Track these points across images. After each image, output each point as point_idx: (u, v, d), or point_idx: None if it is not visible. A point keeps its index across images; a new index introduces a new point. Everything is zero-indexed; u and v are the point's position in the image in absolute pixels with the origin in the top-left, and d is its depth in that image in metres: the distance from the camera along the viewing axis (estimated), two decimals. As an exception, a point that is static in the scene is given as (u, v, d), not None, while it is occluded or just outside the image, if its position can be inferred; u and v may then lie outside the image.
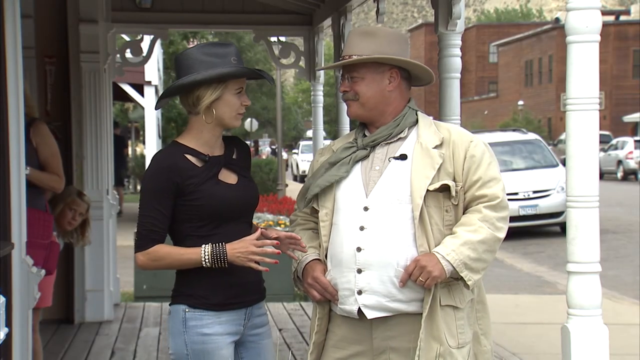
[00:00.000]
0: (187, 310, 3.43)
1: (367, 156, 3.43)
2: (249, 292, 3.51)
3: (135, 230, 3.46)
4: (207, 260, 3.35)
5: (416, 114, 3.46)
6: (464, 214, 3.36)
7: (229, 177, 3.47)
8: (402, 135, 3.42)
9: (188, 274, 3.44)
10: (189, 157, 3.41)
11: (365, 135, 3.48)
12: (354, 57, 3.40)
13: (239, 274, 3.43)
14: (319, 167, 3.50)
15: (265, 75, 3.51)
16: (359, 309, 3.36)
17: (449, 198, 3.34)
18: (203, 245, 3.36)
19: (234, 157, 3.52)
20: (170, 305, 3.51)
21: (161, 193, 3.37)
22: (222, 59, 3.40)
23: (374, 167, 3.40)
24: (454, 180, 3.34)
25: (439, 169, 3.32)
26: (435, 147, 3.36)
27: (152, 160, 3.47)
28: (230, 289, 3.44)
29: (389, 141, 3.42)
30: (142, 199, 3.42)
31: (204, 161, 3.42)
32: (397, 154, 3.39)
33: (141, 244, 3.40)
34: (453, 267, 3.25)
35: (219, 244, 3.36)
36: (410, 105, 3.48)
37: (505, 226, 3.35)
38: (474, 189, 3.34)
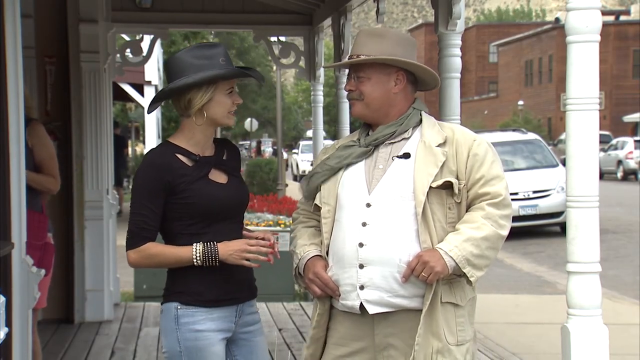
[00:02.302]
0: (179, 307, 3.46)
1: (370, 155, 3.45)
2: (240, 289, 3.54)
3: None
4: (198, 258, 3.39)
5: (420, 114, 3.48)
6: (467, 212, 3.37)
7: (219, 176, 3.51)
8: (405, 135, 3.45)
9: (180, 271, 3.46)
10: (179, 156, 3.45)
11: (369, 135, 3.49)
12: (362, 56, 3.42)
13: (230, 271, 3.46)
14: (318, 164, 3.53)
15: (254, 73, 3.54)
16: (361, 304, 3.37)
17: (451, 196, 3.35)
18: (194, 244, 3.40)
19: (224, 157, 3.56)
20: (162, 304, 3.54)
21: (153, 191, 3.40)
22: (211, 60, 3.43)
23: (377, 166, 3.42)
24: (457, 178, 3.35)
25: (442, 167, 3.34)
26: (439, 145, 3.38)
27: (143, 159, 3.51)
28: (221, 286, 3.46)
29: (393, 141, 3.44)
30: (133, 197, 3.45)
31: (195, 161, 3.46)
32: (401, 153, 3.40)
33: (133, 242, 3.43)
34: (456, 263, 3.26)
35: (210, 243, 3.40)
36: (415, 105, 3.49)
37: (508, 224, 3.36)
38: (477, 187, 3.35)
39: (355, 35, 3.58)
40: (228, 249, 3.39)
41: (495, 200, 3.33)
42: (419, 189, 3.31)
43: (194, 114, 3.45)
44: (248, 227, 3.62)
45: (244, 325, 3.57)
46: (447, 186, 3.34)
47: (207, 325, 3.45)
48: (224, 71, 3.43)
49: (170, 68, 3.48)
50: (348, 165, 3.46)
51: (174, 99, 3.49)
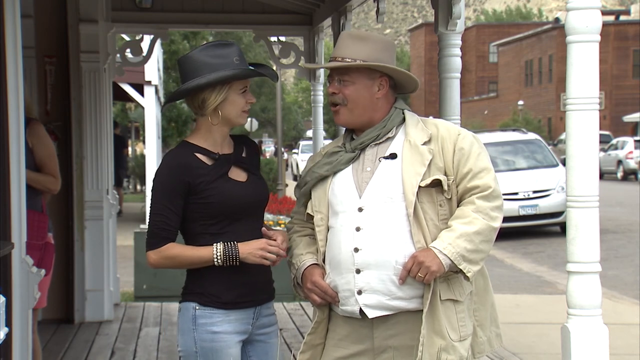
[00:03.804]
0: (197, 307, 3.45)
1: (357, 158, 3.45)
2: (259, 291, 3.53)
3: (146, 229, 3.48)
4: (219, 259, 3.38)
5: (403, 113, 3.48)
6: (458, 206, 3.36)
7: (239, 174, 3.50)
8: (390, 135, 3.44)
9: (199, 271, 3.45)
10: (199, 155, 3.44)
11: (353, 139, 3.49)
12: (347, 59, 3.40)
13: (249, 273, 3.45)
14: (307, 173, 3.53)
15: (268, 72, 3.52)
16: (360, 309, 3.36)
17: (441, 192, 3.36)
18: (215, 244, 3.39)
19: (243, 155, 3.55)
20: (180, 302, 3.53)
21: (172, 192, 3.39)
22: (225, 59, 3.42)
23: (365, 169, 3.42)
24: (445, 174, 3.36)
25: (429, 165, 3.34)
26: (424, 143, 3.38)
27: (163, 160, 3.50)
28: (240, 288, 3.46)
29: (378, 142, 3.44)
30: (153, 198, 3.44)
31: (214, 159, 3.45)
32: (387, 154, 3.40)
33: (153, 242, 3.42)
34: (451, 260, 3.26)
35: (231, 243, 3.39)
36: (396, 105, 3.49)
37: (500, 215, 3.35)
38: (465, 181, 3.35)
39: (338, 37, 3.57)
40: (248, 248, 3.39)
41: (485, 192, 3.33)
42: (409, 190, 3.31)
43: (209, 114, 3.43)
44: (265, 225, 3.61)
45: (261, 327, 3.56)
46: (436, 184, 3.34)
47: (224, 327, 3.44)
48: (239, 71, 3.42)
49: (183, 67, 3.45)
50: (336, 172, 3.46)
51: (188, 98, 3.47)
